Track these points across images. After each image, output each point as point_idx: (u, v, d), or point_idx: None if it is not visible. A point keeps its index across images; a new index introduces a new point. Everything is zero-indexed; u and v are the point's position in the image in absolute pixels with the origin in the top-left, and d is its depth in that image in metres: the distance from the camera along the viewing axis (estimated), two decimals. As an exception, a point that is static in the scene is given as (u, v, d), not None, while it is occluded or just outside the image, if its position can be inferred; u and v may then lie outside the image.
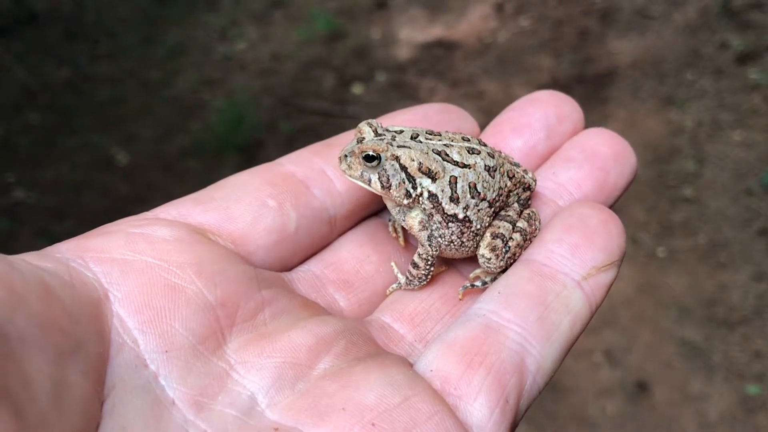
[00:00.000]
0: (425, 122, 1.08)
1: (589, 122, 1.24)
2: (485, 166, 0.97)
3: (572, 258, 0.93)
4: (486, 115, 4.53)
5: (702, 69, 5.12)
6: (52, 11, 6.63)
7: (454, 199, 0.96)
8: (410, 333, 0.96)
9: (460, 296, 0.97)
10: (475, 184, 0.96)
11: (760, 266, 4.28)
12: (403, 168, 0.92)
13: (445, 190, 0.95)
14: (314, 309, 0.93)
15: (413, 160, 0.92)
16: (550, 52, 5.53)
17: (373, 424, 0.73)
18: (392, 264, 0.97)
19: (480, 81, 5.46)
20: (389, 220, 1.00)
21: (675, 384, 4.00)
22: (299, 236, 0.97)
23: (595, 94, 5.18)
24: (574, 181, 1.03)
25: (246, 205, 0.94)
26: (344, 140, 0.97)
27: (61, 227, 4.80)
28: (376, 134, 0.94)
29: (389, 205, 1.00)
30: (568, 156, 1.07)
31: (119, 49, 6.32)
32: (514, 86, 5.31)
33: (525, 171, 1.04)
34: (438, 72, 5.62)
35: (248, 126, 5.35)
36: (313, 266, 1.00)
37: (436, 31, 5.87)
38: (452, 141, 0.97)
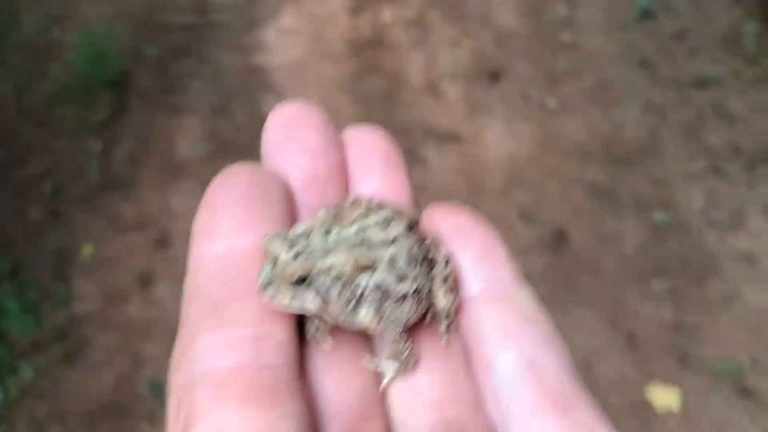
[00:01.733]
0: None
1: None
2: (405, 229, 0.90)
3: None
4: None
5: None
6: None
7: (402, 279, 0.91)
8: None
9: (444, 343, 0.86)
10: (409, 253, 0.93)
11: (647, 97, 4.53)
12: (338, 277, 0.87)
13: (389, 275, 0.90)
14: None
15: (345, 265, 0.87)
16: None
17: None
18: (365, 364, 0.82)
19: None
20: (312, 329, 0.88)
21: (590, 227, 4.17)
22: None
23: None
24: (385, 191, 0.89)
25: None
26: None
27: None
28: (290, 246, 0.85)
29: (322, 314, 0.90)
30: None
31: None
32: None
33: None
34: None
35: (112, 59, 5.00)
36: None
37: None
38: (363, 221, 0.90)
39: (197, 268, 0.67)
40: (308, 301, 0.85)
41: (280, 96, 4.85)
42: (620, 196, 4.30)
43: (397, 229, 0.92)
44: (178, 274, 3.78)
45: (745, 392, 3.65)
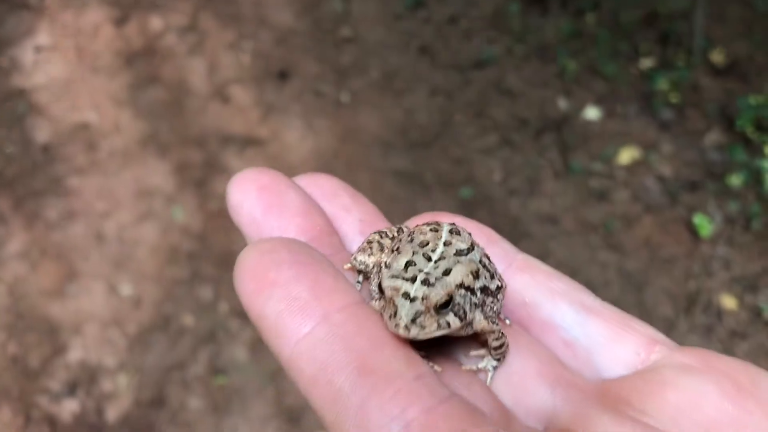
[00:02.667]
0: None
1: None
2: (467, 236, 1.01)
3: None
4: None
5: None
6: None
7: (493, 276, 0.98)
8: None
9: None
10: (483, 254, 1.00)
11: (431, 82, 4.90)
12: (468, 289, 0.93)
13: (484, 275, 0.96)
14: None
15: (468, 276, 0.93)
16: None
17: None
18: (467, 368, 0.93)
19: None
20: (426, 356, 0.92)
21: (405, 211, 4.33)
22: None
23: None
24: None
25: None
26: None
27: None
28: (405, 267, 0.92)
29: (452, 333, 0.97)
30: None
31: None
32: None
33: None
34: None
35: None
36: None
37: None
38: (436, 237, 0.99)
39: (301, 350, 0.70)
40: (452, 322, 0.93)
41: (51, 118, 4.46)
42: (426, 178, 4.58)
43: (465, 237, 1.03)
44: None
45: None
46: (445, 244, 0.96)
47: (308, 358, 0.69)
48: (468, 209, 4.54)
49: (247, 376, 3.58)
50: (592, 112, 4.94)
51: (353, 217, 0.99)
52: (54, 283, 3.83)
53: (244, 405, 3.49)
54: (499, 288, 0.98)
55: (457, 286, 0.90)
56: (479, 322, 0.95)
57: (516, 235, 4.42)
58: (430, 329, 0.87)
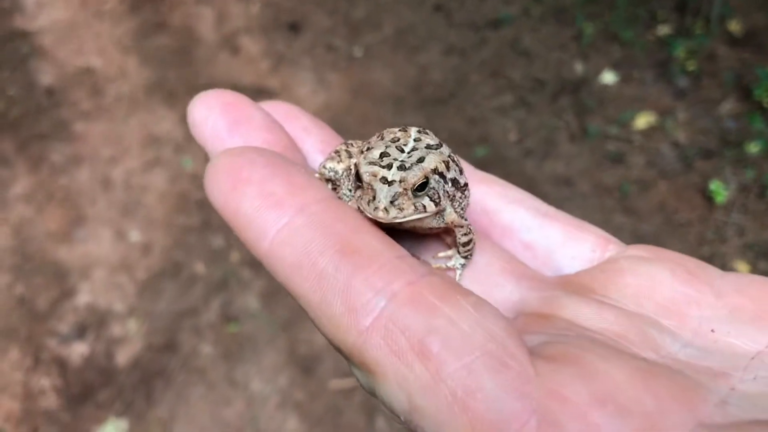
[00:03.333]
0: None
1: None
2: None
3: None
4: None
5: None
6: None
7: (461, 172, 1.02)
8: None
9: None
10: (451, 151, 1.05)
11: (446, 40, 4.86)
12: (441, 175, 0.96)
13: (454, 168, 1.00)
14: None
15: (441, 164, 0.96)
16: None
17: None
18: (433, 262, 1.00)
19: None
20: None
21: (418, 168, 4.29)
22: None
23: None
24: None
25: None
26: None
27: None
28: (380, 157, 0.96)
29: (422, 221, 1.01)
30: None
31: None
32: None
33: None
34: None
35: None
36: None
37: None
38: (406, 135, 1.03)
39: (281, 239, 0.71)
40: (427, 206, 0.97)
41: (55, 61, 4.38)
42: (439, 136, 4.46)
43: (433, 137, 1.07)
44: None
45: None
46: (415, 140, 1.00)
47: (289, 246, 0.70)
48: (482, 168, 4.45)
49: (260, 325, 3.54)
50: (608, 77, 4.92)
51: (314, 138, 1.02)
52: (61, 227, 3.76)
53: (256, 353, 3.45)
54: (466, 185, 1.01)
55: (431, 170, 0.93)
56: (450, 213, 0.98)
57: (530, 196, 4.40)
58: (408, 211, 0.90)
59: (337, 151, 1.01)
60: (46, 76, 4.41)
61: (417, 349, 0.63)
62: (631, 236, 4.24)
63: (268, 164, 0.76)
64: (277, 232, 0.71)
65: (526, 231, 0.97)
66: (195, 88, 4.58)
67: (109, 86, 4.39)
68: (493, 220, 1.00)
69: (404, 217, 0.90)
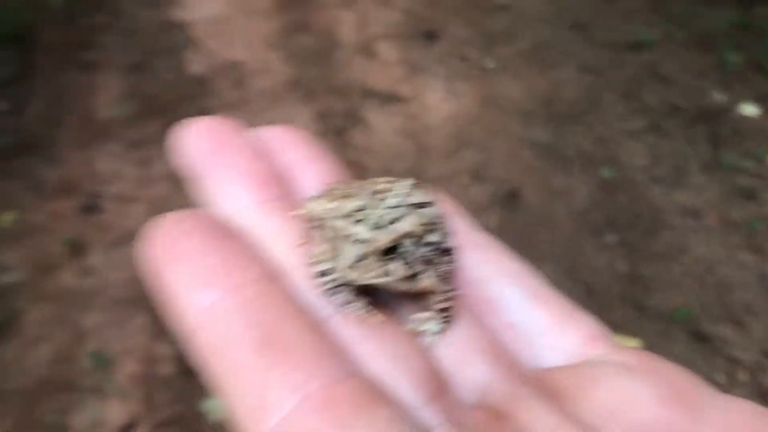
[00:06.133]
0: None
1: None
2: (423, 194, 1.00)
3: None
4: None
5: None
6: None
7: (446, 235, 0.98)
8: None
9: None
10: (438, 213, 1.00)
11: (582, 58, 5.05)
12: (417, 240, 0.91)
13: (438, 232, 0.96)
14: None
15: (419, 227, 0.91)
16: None
17: None
18: (410, 327, 0.92)
19: None
20: (361, 308, 0.92)
21: (540, 184, 4.55)
22: None
23: None
24: None
25: None
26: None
27: None
28: (354, 211, 0.91)
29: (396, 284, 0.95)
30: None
31: None
32: None
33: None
34: None
35: (10, 10, 4.81)
36: None
37: None
38: (390, 190, 0.98)
39: (203, 321, 0.69)
40: (398, 270, 0.90)
41: (205, 52, 4.91)
42: (566, 153, 4.73)
43: (427, 194, 1.01)
44: (111, 241, 3.76)
45: (699, 337, 4.09)
46: (401, 195, 0.95)
47: (209, 330, 0.69)
48: (607, 190, 4.67)
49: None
50: (750, 109, 4.97)
51: (311, 170, 0.97)
52: (191, 205, 4.22)
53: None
54: (452, 249, 0.97)
55: (405, 234, 0.90)
56: (426, 278, 0.93)
57: (654, 224, 4.54)
58: (373, 274, 0.87)
59: (329, 189, 0.95)
60: (196, 65, 4.95)
61: None
62: (756, 276, 4.29)
63: (205, 235, 0.74)
64: (200, 313, 0.69)
65: (512, 310, 0.92)
66: (330, 87, 5.05)
67: (253, 80, 4.88)
68: (480, 292, 0.94)
69: (368, 279, 0.87)
